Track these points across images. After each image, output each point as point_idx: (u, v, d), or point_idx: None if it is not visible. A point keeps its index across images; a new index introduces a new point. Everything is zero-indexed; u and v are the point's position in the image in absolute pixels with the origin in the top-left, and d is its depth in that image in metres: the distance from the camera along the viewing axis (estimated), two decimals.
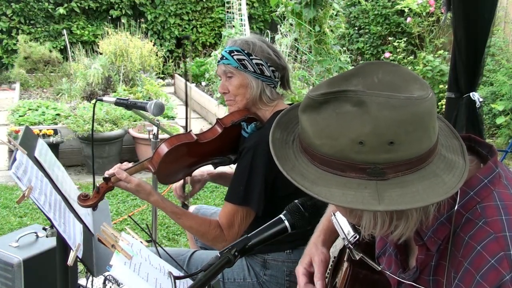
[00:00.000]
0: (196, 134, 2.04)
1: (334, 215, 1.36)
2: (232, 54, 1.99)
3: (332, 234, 1.52)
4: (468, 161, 1.02)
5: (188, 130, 2.09)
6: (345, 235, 1.29)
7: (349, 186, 0.95)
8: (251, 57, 1.98)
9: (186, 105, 2.43)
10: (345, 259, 1.42)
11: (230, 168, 2.62)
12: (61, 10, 9.22)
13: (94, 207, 1.92)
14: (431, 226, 1.05)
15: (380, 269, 1.24)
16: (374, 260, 1.27)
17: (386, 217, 1.01)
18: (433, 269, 1.09)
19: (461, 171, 0.99)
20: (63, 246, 1.72)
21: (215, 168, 2.30)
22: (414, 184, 0.95)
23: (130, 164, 2.01)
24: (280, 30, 6.97)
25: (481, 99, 2.92)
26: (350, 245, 1.27)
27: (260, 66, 1.99)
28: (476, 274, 0.97)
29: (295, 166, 1.02)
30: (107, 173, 1.93)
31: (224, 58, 2.01)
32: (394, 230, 1.03)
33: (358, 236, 1.26)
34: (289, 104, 2.11)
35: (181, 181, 2.25)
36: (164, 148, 1.96)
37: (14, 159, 1.65)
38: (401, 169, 0.95)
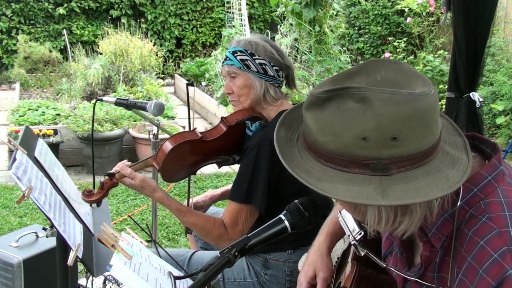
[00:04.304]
0: (200, 132, 2.05)
1: (340, 213, 1.37)
2: (235, 54, 1.99)
3: (337, 237, 1.53)
4: (471, 157, 1.03)
5: (193, 128, 2.10)
6: (350, 232, 1.29)
7: (354, 182, 0.96)
8: (254, 57, 1.98)
9: (188, 106, 2.43)
10: (349, 259, 1.42)
11: (232, 170, 2.62)
12: (61, 10, 9.22)
13: (98, 202, 1.93)
14: (435, 223, 1.06)
15: (384, 266, 1.24)
16: (380, 259, 1.27)
17: (390, 212, 1.01)
18: (438, 266, 1.10)
19: (464, 166, 1.00)
20: (63, 246, 1.72)
21: (219, 167, 2.31)
22: (418, 180, 0.95)
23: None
24: (280, 30, 6.97)
25: (481, 99, 2.92)
26: (355, 242, 1.27)
27: (263, 66, 1.99)
28: (479, 269, 0.97)
29: (300, 163, 1.03)
30: (113, 170, 1.94)
31: (228, 59, 2.02)
32: (399, 226, 1.04)
33: (363, 233, 1.27)
34: (293, 104, 2.12)
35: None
36: (168, 145, 1.96)
37: (14, 159, 1.65)
38: (405, 165, 0.96)
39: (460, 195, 1.04)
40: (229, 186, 2.45)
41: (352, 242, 1.28)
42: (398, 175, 0.96)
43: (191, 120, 2.33)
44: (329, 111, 0.97)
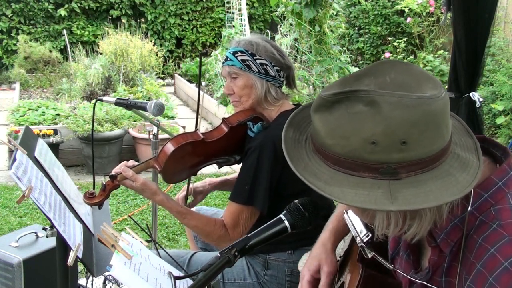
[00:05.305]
0: (202, 133, 2.04)
1: (347, 212, 1.35)
2: (236, 55, 1.99)
3: (342, 235, 1.52)
4: (482, 160, 1.02)
5: (195, 129, 2.09)
6: (357, 233, 1.28)
7: (362, 186, 0.95)
8: (255, 58, 1.97)
9: (198, 103, 2.42)
10: (351, 259, 1.41)
11: (232, 170, 2.62)
12: (61, 12, 9.22)
13: (100, 205, 1.93)
14: (444, 228, 1.05)
15: (392, 268, 1.23)
16: (386, 260, 1.26)
17: (399, 216, 1.01)
18: (445, 270, 1.09)
19: (475, 169, 0.98)
20: (63, 246, 1.72)
21: (219, 168, 2.30)
22: (427, 184, 0.94)
23: (136, 163, 2.01)
24: (280, 30, 6.97)
25: (481, 99, 2.92)
26: (362, 244, 1.26)
27: (264, 66, 1.98)
28: (488, 276, 0.96)
29: (308, 166, 1.02)
30: (114, 171, 1.93)
31: (228, 59, 2.01)
32: (408, 230, 1.03)
33: (370, 235, 1.25)
34: (294, 104, 2.12)
35: (184, 192, 2.25)
36: (170, 147, 1.96)
37: (14, 159, 1.65)
38: (414, 169, 0.94)
39: (471, 200, 1.02)
40: (228, 176, 2.44)
41: (360, 245, 1.27)
42: (407, 179, 0.94)
43: (199, 119, 2.32)
44: (338, 114, 0.96)
